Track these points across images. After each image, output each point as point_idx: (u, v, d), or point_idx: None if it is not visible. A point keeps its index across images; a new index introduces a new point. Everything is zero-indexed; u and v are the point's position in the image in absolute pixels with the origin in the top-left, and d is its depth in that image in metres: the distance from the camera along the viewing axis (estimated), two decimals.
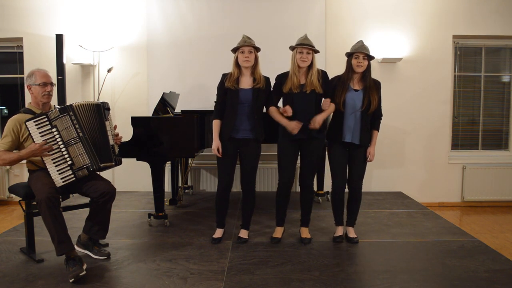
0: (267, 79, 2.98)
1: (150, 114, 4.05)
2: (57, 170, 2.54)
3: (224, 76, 2.96)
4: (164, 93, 3.64)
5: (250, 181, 3.02)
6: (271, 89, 3.00)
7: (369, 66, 2.92)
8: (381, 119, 3.04)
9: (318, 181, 4.38)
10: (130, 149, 3.28)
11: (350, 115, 2.91)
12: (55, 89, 2.83)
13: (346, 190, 3.07)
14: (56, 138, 2.54)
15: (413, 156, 4.89)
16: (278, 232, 3.13)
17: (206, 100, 4.25)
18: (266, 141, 3.14)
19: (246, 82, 2.92)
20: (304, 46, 2.82)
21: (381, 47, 4.66)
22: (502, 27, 4.73)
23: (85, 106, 2.66)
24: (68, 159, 2.56)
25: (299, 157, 3.05)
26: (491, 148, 5.06)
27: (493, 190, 4.84)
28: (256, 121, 2.92)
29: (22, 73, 4.80)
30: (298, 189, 3.13)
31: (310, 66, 2.86)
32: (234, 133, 2.92)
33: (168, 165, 4.40)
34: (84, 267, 2.44)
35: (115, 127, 2.84)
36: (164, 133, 3.31)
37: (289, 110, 2.81)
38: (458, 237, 3.22)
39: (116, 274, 2.53)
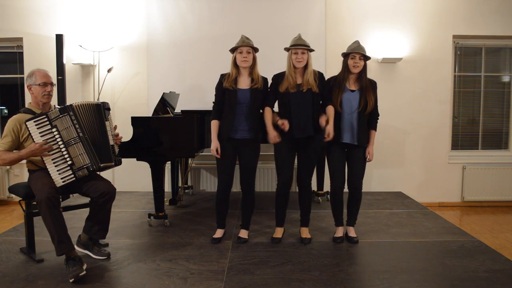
0: (265, 80, 2.98)
1: (150, 114, 4.05)
2: (57, 170, 2.54)
3: (222, 76, 2.97)
4: (164, 93, 3.64)
5: (250, 181, 3.02)
6: (270, 87, 3.00)
7: (365, 67, 2.92)
8: (378, 118, 3.04)
9: (318, 181, 4.38)
10: (130, 149, 3.28)
11: (347, 115, 2.92)
12: (55, 89, 2.83)
13: (346, 190, 3.07)
14: (56, 138, 2.54)
15: (413, 156, 4.89)
16: (278, 232, 3.13)
17: (206, 100, 4.25)
18: (266, 141, 3.14)
19: (244, 83, 2.92)
20: (299, 47, 2.83)
21: (381, 47, 4.67)
22: (502, 27, 4.73)
23: (85, 106, 2.66)
24: (68, 159, 2.56)
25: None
26: (491, 148, 5.06)
27: (493, 190, 4.84)
28: (254, 121, 2.92)
29: (22, 73, 4.80)
30: (297, 189, 3.12)
31: (306, 65, 2.87)
32: (232, 134, 2.92)
33: (168, 165, 4.40)
34: (84, 267, 2.44)
35: (115, 127, 2.84)
36: (164, 133, 3.31)
37: (286, 126, 2.83)
38: (458, 237, 3.22)
39: (116, 274, 2.53)
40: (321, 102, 2.96)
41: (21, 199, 2.69)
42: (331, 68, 4.63)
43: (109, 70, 4.64)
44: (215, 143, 2.93)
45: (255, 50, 2.94)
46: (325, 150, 3.07)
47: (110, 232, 2.85)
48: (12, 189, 2.80)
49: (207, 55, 4.63)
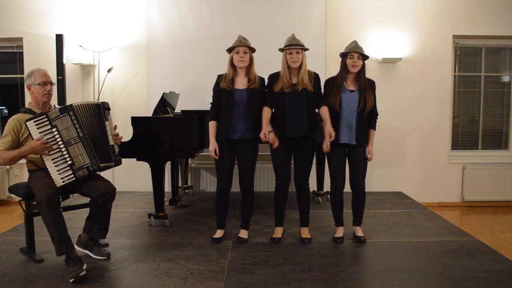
0: (262, 80, 2.98)
1: (150, 114, 4.05)
2: (57, 170, 2.54)
3: (219, 77, 2.97)
4: (164, 93, 3.64)
5: (248, 181, 3.02)
6: (266, 87, 3.01)
7: (363, 66, 2.92)
8: (377, 118, 3.04)
9: (318, 181, 4.38)
10: (130, 149, 3.28)
11: (346, 116, 2.91)
12: (55, 89, 2.84)
13: (347, 190, 3.07)
14: (56, 138, 2.54)
15: (413, 156, 4.89)
16: (278, 232, 3.13)
17: (206, 100, 4.24)
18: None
19: (241, 83, 2.92)
20: (293, 47, 2.83)
21: (381, 47, 4.67)
22: (502, 27, 4.73)
23: (85, 106, 2.66)
24: (68, 159, 2.56)
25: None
26: (491, 148, 5.06)
27: (493, 190, 4.84)
28: (252, 121, 2.92)
29: (22, 73, 4.80)
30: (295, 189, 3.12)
31: (300, 64, 2.87)
32: (230, 134, 2.92)
33: (168, 165, 4.40)
34: (84, 267, 2.44)
35: (115, 127, 2.84)
36: (164, 133, 3.31)
37: (275, 144, 2.89)
38: (458, 237, 3.22)
39: (116, 274, 2.53)
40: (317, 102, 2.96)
41: (21, 199, 2.69)
42: (331, 68, 4.63)
43: (109, 70, 4.64)
44: (213, 144, 2.93)
45: (252, 50, 2.94)
46: (323, 150, 3.06)
47: (110, 232, 2.85)
48: (12, 189, 2.80)
49: (207, 55, 4.63)
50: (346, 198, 3.11)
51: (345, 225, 3.17)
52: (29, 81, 2.65)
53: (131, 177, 4.83)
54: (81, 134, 2.58)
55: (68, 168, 2.56)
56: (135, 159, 3.36)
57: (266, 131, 2.89)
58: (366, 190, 3.08)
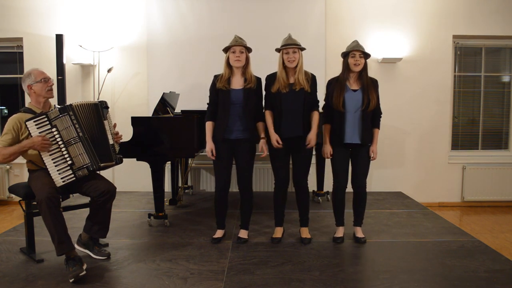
0: (258, 79, 2.98)
1: (150, 114, 4.05)
2: (57, 170, 2.54)
3: (216, 77, 2.97)
4: (164, 93, 3.64)
5: (247, 181, 3.02)
6: (264, 89, 3.01)
7: (365, 65, 2.92)
8: (381, 116, 3.04)
9: (318, 181, 4.38)
10: (130, 149, 3.28)
11: (350, 115, 2.91)
12: (55, 89, 2.84)
13: (347, 190, 3.07)
14: (56, 138, 2.54)
15: (413, 156, 4.89)
16: (278, 232, 3.13)
17: (206, 100, 4.27)
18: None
19: (237, 83, 2.92)
20: (290, 46, 2.83)
21: (381, 47, 4.67)
22: (502, 27, 4.73)
23: (85, 106, 2.66)
24: (68, 159, 2.56)
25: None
26: (491, 148, 5.06)
27: (493, 190, 4.84)
28: (249, 121, 2.92)
29: (22, 73, 4.78)
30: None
31: (296, 65, 2.87)
32: (227, 134, 2.91)
33: (168, 165, 4.40)
34: (84, 267, 2.44)
35: (114, 126, 2.83)
36: (164, 133, 3.31)
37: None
38: (458, 237, 3.22)
39: (116, 274, 2.53)
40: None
41: (21, 199, 2.69)
42: (331, 68, 4.64)
43: (109, 70, 4.64)
44: (210, 144, 2.93)
45: (248, 50, 2.94)
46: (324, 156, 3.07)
47: (110, 232, 2.85)
48: (12, 189, 2.80)
49: (207, 55, 4.63)
50: (347, 198, 3.11)
51: (345, 225, 3.16)
52: (29, 81, 2.65)
53: (131, 177, 4.83)
54: (81, 134, 2.58)
55: (68, 168, 2.56)
56: (135, 159, 3.36)
57: (277, 137, 2.89)
58: (366, 190, 3.08)
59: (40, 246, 2.85)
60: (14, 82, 4.95)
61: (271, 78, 2.96)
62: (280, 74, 2.90)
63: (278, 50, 2.93)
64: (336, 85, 2.94)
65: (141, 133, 3.31)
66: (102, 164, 2.66)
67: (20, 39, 4.75)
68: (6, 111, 5.16)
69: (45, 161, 2.53)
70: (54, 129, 2.53)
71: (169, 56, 4.69)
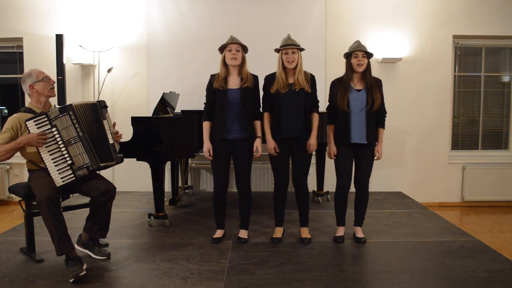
0: (255, 77, 2.97)
1: (150, 114, 4.05)
2: (57, 170, 2.54)
3: (212, 77, 2.96)
4: (164, 93, 3.64)
5: (245, 181, 3.01)
6: (263, 89, 3.00)
7: (368, 65, 2.92)
8: (385, 116, 3.03)
9: (318, 181, 4.38)
10: (130, 149, 3.28)
11: (354, 115, 2.91)
12: (55, 88, 2.84)
13: (351, 190, 3.07)
14: (56, 138, 2.54)
15: (413, 156, 4.89)
16: (278, 232, 3.13)
17: None
18: (263, 141, 3.13)
19: (233, 82, 2.91)
20: (289, 47, 2.83)
21: (381, 47, 4.67)
22: (502, 27, 4.73)
23: (84, 106, 2.66)
24: (68, 158, 2.56)
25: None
26: (491, 148, 5.06)
27: (493, 190, 4.84)
28: (246, 120, 2.92)
29: (22, 73, 4.78)
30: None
31: (296, 66, 2.87)
32: (225, 134, 2.91)
33: (168, 165, 4.40)
34: (84, 267, 2.44)
35: (114, 125, 2.83)
36: (164, 133, 3.31)
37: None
38: (458, 237, 3.22)
39: (116, 274, 2.53)
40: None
41: (21, 199, 2.69)
42: (331, 68, 4.64)
43: (109, 70, 4.64)
44: (207, 145, 2.93)
45: (245, 49, 2.94)
46: (324, 149, 3.08)
47: (110, 232, 2.85)
48: (12, 189, 2.80)
49: (207, 55, 4.63)
50: (350, 198, 3.10)
51: (345, 225, 3.16)
52: (30, 81, 2.65)
53: (131, 177, 4.83)
54: (80, 134, 2.58)
55: (68, 167, 2.56)
56: (135, 159, 3.36)
57: (275, 145, 2.92)
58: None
59: (40, 246, 2.85)
60: (14, 82, 4.95)
61: (270, 78, 2.96)
62: (279, 74, 2.90)
63: (277, 50, 2.93)
64: (340, 86, 2.94)
65: (141, 133, 3.31)
66: (102, 164, 2.66)
67: (20, 39, 4.75)
68: (6, 111, 5.16)
69: (45, 161, 2.53)
70: (54, 129, 2.53)
71: (169, 56, 4.70)
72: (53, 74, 2.79)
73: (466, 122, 5.07)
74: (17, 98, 4.95)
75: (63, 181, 2.55)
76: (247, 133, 2.93)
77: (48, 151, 2.53)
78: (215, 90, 2.90)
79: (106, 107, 2.77)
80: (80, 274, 2.37)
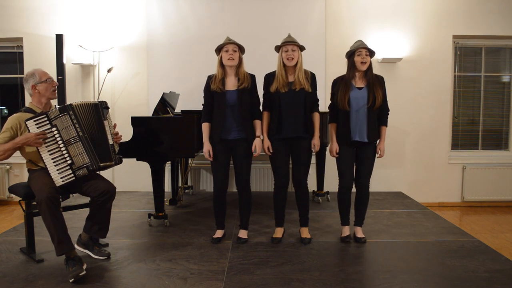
0: (252, 77, 2.96)
1: (150, 114, 4.05)
2: (57, 170, 2.54)
3: (209, 78, 2.96)
4: (164, 93, 3.64)
5: (245, 181, 3.01)
6: (263, 88, 3.00)
7: (370, 63, 2.91)
8: (388, 114, 3.02)
9: (318, 181, 4.37)
10: (130, 149, 3.28)
11: (356, 113, 2.90)
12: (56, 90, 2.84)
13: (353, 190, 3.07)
14: (56, 137, 2.54)
15: (413, 156, 4.89)
16: (278, 233, 3.13)
17: None
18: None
19: (231, 83, 2.91)
20: (289, 43, 2.83)
21: (381, 47, 4.66)
22: (502, 27, 4.73)
23: (84, 106, 2.66)
24: (68, 158, 2.55)
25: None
26: (491, 148, 5.06)
27: (493, 190, 4.84)
28: (245, 121, 2.92)
29: (22, 73, 4.80)
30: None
31: (296, 64, 2.87)
32: (224, 135, 2.91)
33: (168, 165, 4.40)
34: (84, 267, 2.44)
35: (114, 126, 2.83)
36: (164, 133, 3.31)
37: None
38: (458, 237, 3.22)
39: (116, 274, 2.52)
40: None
41: (21, 199, 2.69)
42: (331, 68, 4.64)
43: (109, 70, 4.64)
44: (207, 146, 2.93)
45: (241, 49, 2.93)
46: (325, 149, 3.08)
47: (110, 232, 2.85)
48: (12, 189, 2.79)
49: (207, 55, 4.59)
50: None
51: (352, 226, 3.17)
52: (33, 81, 2.65)
53: (131, 177, 4.83)
54: (80, 134, 2.58)
55: (68, 167, 2.56)
56: (135, 159, 3.36)
57: (269, 145, 2.93)
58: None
59: (40, 246, 2.85)
60: (14, 82, 4.95)
61: (270, 77, 2.96)
62: (279, 72, 2.89)
63: (277, 47, 2.93)
64: (341, 84, 2.93)
65: (141, 133, 3.31)
66: (102, 164, 2.66)
67: (20, 39, 4.75)
68: (6, 111, 5.16)
69: (44, 161, 2.53)
70: (54, 129, 2.53)
71: (169, 56, 4.70)
72: (53, 74, 2.79)
73: (466, 122, 5.07)
74: (17, 98, 4.95)
75: (63, 181, 2.55)
76: (247, 133, 2.93)
77: (48, 151, 2.53)
78: (213, 92, 2.90)
79: (108, 108, 2.77)
80: (80, 274, 2.37)
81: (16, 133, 2.57)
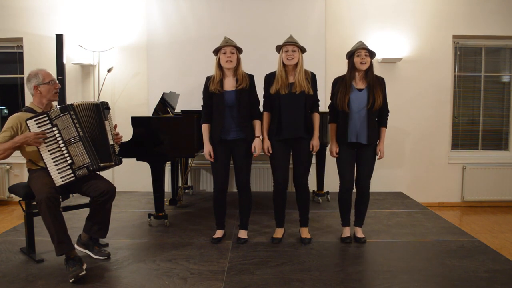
0: (250, 77, 2.96)
1: (150, 114, 4.05)
2: (57, 170, 2.54)
3: (208, 79, 2.96)
4: (164, 93, 3.64)
5: (245, 181, 3.01)
6: (263, 89, 2.99)
7: (371, 64, 2.91)
8: (388, 115, 3.02)
9: (318, 181, 4.37)
10: (130, 149, 3.28)
11: (355, 114, 2.90)
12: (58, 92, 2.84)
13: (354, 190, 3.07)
14: (57, 137, 2.53)
15: (413, 156, 4.89)
16: (279, 233, 3.13)
17: None
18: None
19: (229, 84, 2.91)
20: (289, 44, 2.84)
21: (381, 47, 4.66)
22: (502, 27, 4.73)
23: (85, 106, 2.66)
24: (68, 158, 2.55)
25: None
26: (491, 148, 5.06)
27: (493, 190, 4.84)
28: (244, 121, 2.92)
29: (22, 73, 4.80)
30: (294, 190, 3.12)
31: (296, 64, 2.87)
32: (224, 135, 2.91)
33: (168, 165, 4.40)
34: (84, 267, 2.44)
35: (115, 127, 2.84)
36: (164, 133, 3.31)
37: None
38: (458, 237, 3.22)
39: (116, 274, 2.53)
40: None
41: (21, 199, 2.69)
42: (331, 68, 4.64)
43: (109, 70, 4.64)
44: (207, 147, 2.93)
45: (239, 50, 2.93)
46: (325, 149, 3.08)
47: (110, 232, 2.85)
48: (12, 189, 2.79)
49: (207, 55, 4.56)
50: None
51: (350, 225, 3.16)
52: (35, 82, 2.64)
53: (131, 177, 4.83)
54: (81, 134, 2.58)
55: (68, 167, 2.56)
56: (135, 159, 3.36)
57: (269, 146, 2.94)
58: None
59: (40, 246, 2.85)
60: (14, 82, 4.95)
61: (270, 77, 2.95)
62: (279, 72, 2.89)
63: (278, 48, 2.93)
64: (341, 85, 2.93)
65: (141, 133, 3.31)
66: (102, 164, 2.66)
67: (20, 39, 4.75)
68: (6, 111, 5.16)
69: (45, 160, 2.53)
70: (54, 128, 2.53)
71: (169, 56, 4.70)
72: (53, 74, 2.79)
73: (466, 122, 5.07)
74: (17, 98, 4.95)
75: (63, 181, 2.55)
76: (246, 133, 2.93)
77: (48, 151, 2.53)
78: (212, 93, 2.90)
79: (109, 108, 2.78)
80: (80, 274, 2.37)
81: (17, 133, 2.57)
